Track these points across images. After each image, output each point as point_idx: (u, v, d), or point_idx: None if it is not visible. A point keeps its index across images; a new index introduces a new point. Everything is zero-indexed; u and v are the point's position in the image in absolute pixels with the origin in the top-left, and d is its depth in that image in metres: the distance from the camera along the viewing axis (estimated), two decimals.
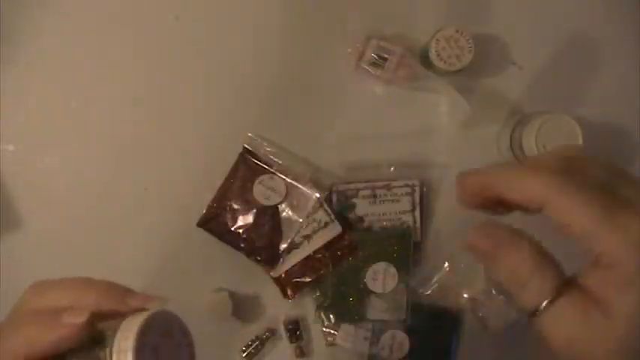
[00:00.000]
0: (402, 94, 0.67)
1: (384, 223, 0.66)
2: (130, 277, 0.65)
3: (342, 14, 0.67)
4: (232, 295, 0.65)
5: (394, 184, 0.66)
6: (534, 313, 0.33)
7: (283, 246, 0.65)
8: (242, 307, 0.66)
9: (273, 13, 0.67)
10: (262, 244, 0.65)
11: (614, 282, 0.32)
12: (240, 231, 0.65)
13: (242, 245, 0.65)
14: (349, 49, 0.65)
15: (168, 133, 0.67)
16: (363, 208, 0.66)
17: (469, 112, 0.64)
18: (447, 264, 0.67)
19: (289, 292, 0.66)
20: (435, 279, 0.67)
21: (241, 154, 0.66)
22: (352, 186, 0.66)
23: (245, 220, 0.65)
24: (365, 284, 0.65)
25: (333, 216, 0.65)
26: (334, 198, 0.66)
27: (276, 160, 0.66)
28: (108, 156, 0.67)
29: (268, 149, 0.66)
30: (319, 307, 0.66)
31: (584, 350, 0.32)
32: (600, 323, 0.32)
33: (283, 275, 0.66)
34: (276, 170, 0.65)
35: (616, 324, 0.32)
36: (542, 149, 0.60)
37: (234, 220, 0.65)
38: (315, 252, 0.65)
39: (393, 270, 0.65)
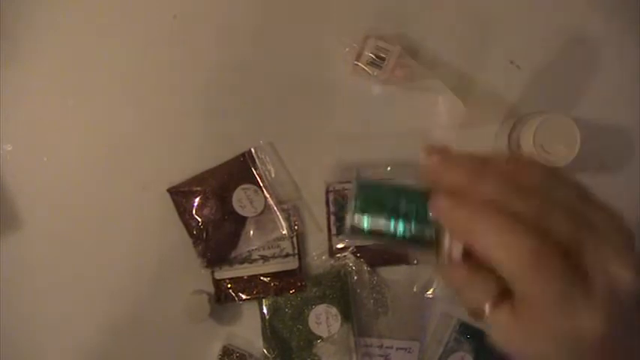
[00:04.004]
0: (399, 93, 0.67)
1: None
2: (127, 277, 0.67)
3: (339, 13, 0.67)
4: (211, 298, 0.66)
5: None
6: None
7: (232, 255, 0.66)
8: (220, 310, 0.67)
9: (270, 12, 0.67)
10: (214, 243, 0.66)
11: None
12: (200, 220, 0.65)
13: (194, 232, 0.65)
14: (347, 49, 0.65)
15: (167, 132, 0.67)
16: None
17: (464, 112, 0.64)
18: (446, 262, 0.67)
19: (222, 298, 0.66)
20: (438, 280, 0.67)
21: (242, 155, 0.66)
22: (349, 185, 0.66)
23: (211, 212, 0.65)
24: (310, 330, 0.66)
25: (297, 251, 0.66)
26: (330, 197, 0.66)
27: (269, 173, 0.66)
28: (106, 155, 0.67)
29: (268, 159, 0.66)
30: None
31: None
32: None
33: (226, 281, 0.66)
34: (264, 185, 0.66)
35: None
36: (540, 149, 0.60)
37: (201, 207, 0.65)
38: (264, 275, 0.66)
39: (334, 310, 0.65)
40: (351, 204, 0.38)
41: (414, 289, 0.67)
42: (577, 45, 0.67)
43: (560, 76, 0.67)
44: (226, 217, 0.65)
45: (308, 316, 0.66)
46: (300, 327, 0.66)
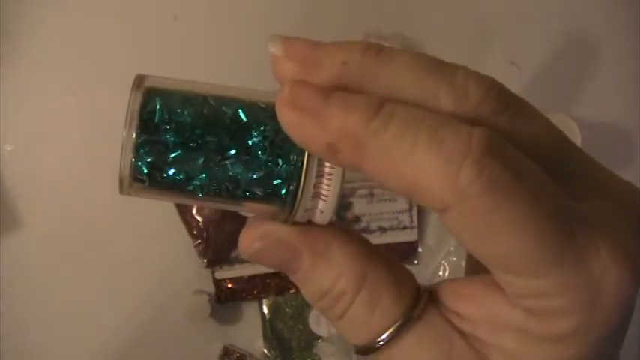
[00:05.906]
0: None
1: (382, 223, 0.66)
2: (127, 277, 0.67)
3: (340, 13, 0.67)
4: (212, 298, 0.66)
5: None
6: (367, 349, 0.23)
7: (232, 255, 0.66)
8: (220, 309, 0.67)
9: (270, 12, 0.67)
10: (215, 243, 0.66)
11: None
12: (201, 219, 0.66)
13: (195, 232, 0.66)
14: None
15: None
16: (360, 207, 0.66)
17: None
18: (444, 262, 0.67)
19: (222, 297, 0.66)
20: (437, 281, 0.67)
21: None
22: (349, 185, 0.66)
23: (211, 212, 0.65)
24: (310, 330, 0.66)
25: None
26: None
27: None
28: (107, 155, 0.66)
29: None
30: None
31: None
32: None
33: (227, 280, 0.66)
34: None
35: None
36: None
37: (202, 207, 0.65)
38: (265, 275, 0.66)
39: None
40: (130, 133, 0.22)
41: None
42: (577, 45, 0.67)
43: (561, 76, 0.67)
44: (227, 217, 0.65)
45: (308, 315, 0.66)
46: (301, 327, 0.66)
